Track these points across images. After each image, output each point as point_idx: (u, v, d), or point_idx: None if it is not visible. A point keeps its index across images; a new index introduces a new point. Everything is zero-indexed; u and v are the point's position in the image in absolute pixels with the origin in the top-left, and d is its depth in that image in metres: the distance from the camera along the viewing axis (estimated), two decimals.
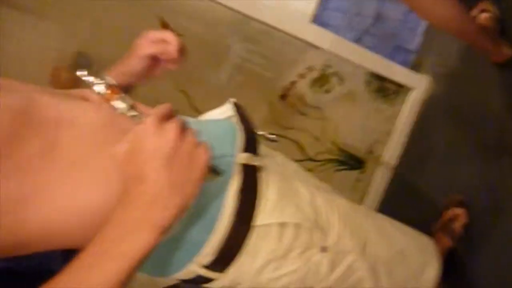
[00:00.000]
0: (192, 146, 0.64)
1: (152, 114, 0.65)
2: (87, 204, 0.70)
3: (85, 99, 0.80)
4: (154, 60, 0.94)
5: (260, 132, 1.07)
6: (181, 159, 0.63)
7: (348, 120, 2.12)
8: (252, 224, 0.83)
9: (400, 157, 2.19)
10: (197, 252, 0.82)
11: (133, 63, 0.93)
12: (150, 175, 0.61)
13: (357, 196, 2.23)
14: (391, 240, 1.01)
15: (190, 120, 0.96)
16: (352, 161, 2.19)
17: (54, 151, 0.69)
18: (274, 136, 1.07)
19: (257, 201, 0.84)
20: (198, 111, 1.85)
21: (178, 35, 0.92)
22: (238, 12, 1.82)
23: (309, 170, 2.11)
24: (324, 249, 0.90)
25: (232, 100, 1.08)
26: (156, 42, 0.92)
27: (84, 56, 2.02)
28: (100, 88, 0.64)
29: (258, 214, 0.84)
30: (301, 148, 2.07)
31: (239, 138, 0.92)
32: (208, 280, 0.87)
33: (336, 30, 2.03)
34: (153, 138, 0.62)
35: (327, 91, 2.04)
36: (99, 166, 0.72)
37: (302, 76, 1.96)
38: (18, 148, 0.67)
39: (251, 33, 1.90)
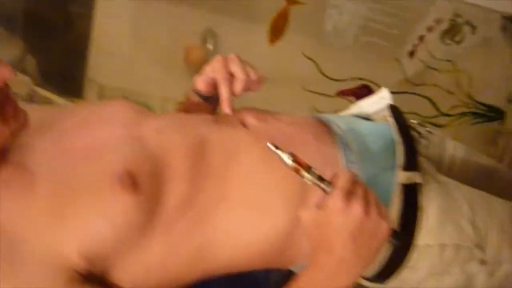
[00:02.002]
0: (376, 221, 0.70)
1: (339, 189, 0.69)
2: (259, 238, 0.80)
3: (243, 123, 0.86)
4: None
5: (413, 121, 1.05)
6: (367, 233, 0.69)
7: (483, 70, 2.00)
8: (413, 243, 0.85)
9: None
10: None
11: (197, 84, 0.91)
12: (338, 249, 0.69)
13: (498, 151, 2.12)
14: None
15: (342, 125, 0.93)
16: (491, 113, 2.07)
17: (226, 197, 0.78)
18: (426, 130, 1.04)
19: (418, 221, 0.85)
20: (327, 77, 1.88)
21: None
22: None
23: (444, 125, 2.05)
24: (483, 262, 0.89)
25: (387, 94, 1.03)
26: (213, 82, 0.87)
27: (211, 32, 2.11)
28: (288, 161, 0.70)
29: (419, 233, 0.85)
30: (433, 103, 2.01)
31: (399, 152, 0.89)
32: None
33: None
34: (342, 215, 0.68)
35: (459, 42, 1.94)
36: (266, 204, 0.80)
37: (430, 29, 1.89)
38: (198, 197, 0.76)
39: None
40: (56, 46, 2.06)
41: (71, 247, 0.65)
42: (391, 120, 0.96)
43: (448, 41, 1.93)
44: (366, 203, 0.69)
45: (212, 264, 0.79)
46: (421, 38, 1.90)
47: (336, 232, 0.69)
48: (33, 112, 0.79)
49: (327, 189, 0.71)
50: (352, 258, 0.70)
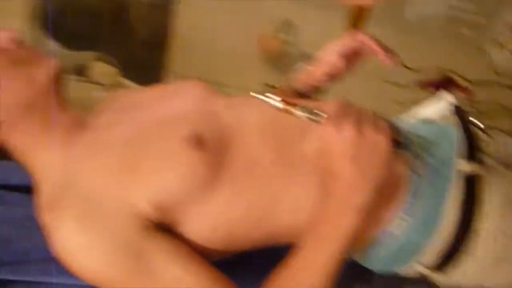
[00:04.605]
0: (372, 137, 0.72)
1: (329, 117, 0.72)
2: (304, 203, 0.81)
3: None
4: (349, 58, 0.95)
5: (474, 120, 1.03)
6: (365, 151, 0.72)
7: None
8: (474, 230, 0.85)
9: None
10: (418, 253, 0.87)
11: (317, 73, 0.97)
12: (343, 172, 0.72)
13: None
14: None
15: (408, 120, 0.97)
16: None
17: (299, 164, 0.81)
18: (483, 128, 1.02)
19: (480, 209, 0.85)
20: (408, 68, 1.83)
21: None
22: None
23: None
24: None
25: (447, 95, 1.04)
26: (346, 55, 0.94)
27: (288, 22, 2.12)
28: (277, 104, 0.72)
29: (481, 221, 0.85)
30: None
31: (461, 144, 0.90)
32: (430, 279, 0.90)
33: None
34: (336, 140, 0.71)
35: None
36: (299, 170, 0.81)
37: None
38: (268, 163, 0.80)
39: None
40: (137, 40, 2.14)
41: (144, 198, 0.73)
42: (453, 118, 0.97)
43: None
44: (358, 123, 0.72)
45: (274, 228, 0.82)
46: (510, 27, 1.81)
47: (337, 158, 0.72)
48: (118, 94, 0.95)
49: (322, 120, 0.73)
50: (358, 179, 0.72)
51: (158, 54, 2.15)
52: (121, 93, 0.99)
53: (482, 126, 1.04)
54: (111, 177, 0.74)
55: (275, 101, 0.73)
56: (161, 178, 0.74)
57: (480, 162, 0.89)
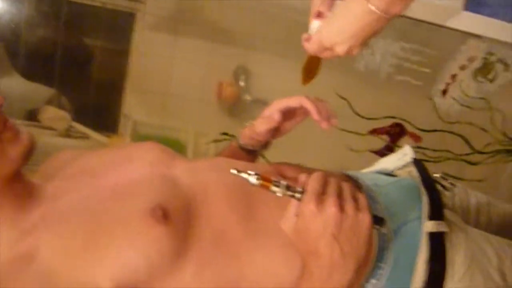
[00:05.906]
0: (353, 215, 0.70)
1: (309, 193, 0.70)
2: (291, 278, 0.78)
3: (282, 175, 0.87)
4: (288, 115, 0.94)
5: (436, 175, 1.06)
6: (347, 229, 0.69)
7: None
8: None
9: None
10: None
11: (258, 127, 0.94)
12: (324, 251, 0.69)
13: None
14: None
15: (367, 181, 0.95)
16: None
17: (265, 233, 0.79)
18: (449, 183, 1.06)
19: (446, 269, 0.85)
20: (360, 116, 1.89)
21: None
22: None
23: (477, 163, 2.03)
24: None
25: (410, 151, 1.05)
26: (288, 112, 0.92)
27: (243, 69, 2.15)
28: (254, 181, 0.70)
29: (448, 281, 0.85)
30: (467, 141, 2.00)
31: (424, 201, 0.91)
32: None
33: (493, 11, 1.91)
34: (317, 218, 0.68)
35: (492, 80, 1.93)
36: (267, 240, 0.79)
37: (463, 67, 1.89)
38: (235, 233, 0.77)
39: (404, 31, 1.87)
40: (92, 83, 2.11)
41: (105, 277, 0.68)
42: (415, 174, 0.98)
43: (481, 79, 1.93)
44: (340, 201, 0.69)
45: None
46: (454, 76, 1.90)
47: (318, 237, 0.69)
48: (65, 155, 0.89)
49: (300, 196, 0.70)
50: (340, 258, 0.69)
51: (114, 98, 2.12)
52: (69, 154, 0.91)
53: (446, 184, 1.05)
54: (72, 255, 0.69)
55: (251, 176, 0.70)
56: (125, 257, 0.69)
57: (444, 219, 0.89)
